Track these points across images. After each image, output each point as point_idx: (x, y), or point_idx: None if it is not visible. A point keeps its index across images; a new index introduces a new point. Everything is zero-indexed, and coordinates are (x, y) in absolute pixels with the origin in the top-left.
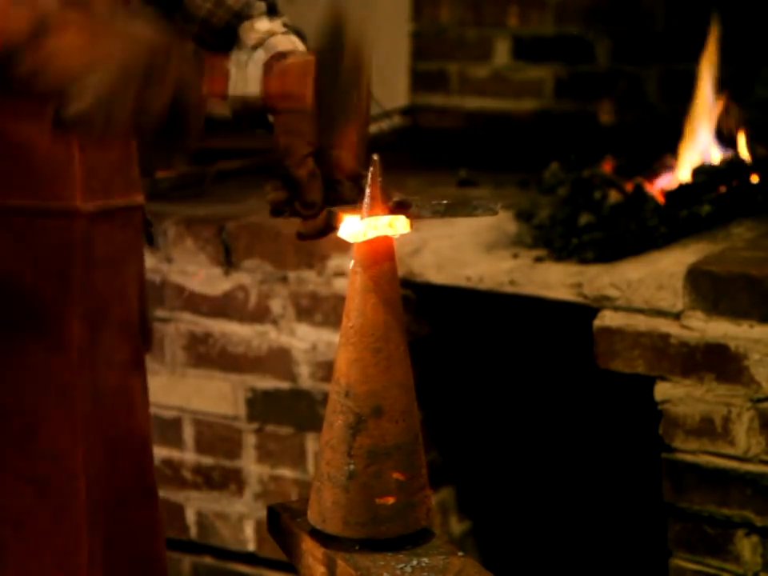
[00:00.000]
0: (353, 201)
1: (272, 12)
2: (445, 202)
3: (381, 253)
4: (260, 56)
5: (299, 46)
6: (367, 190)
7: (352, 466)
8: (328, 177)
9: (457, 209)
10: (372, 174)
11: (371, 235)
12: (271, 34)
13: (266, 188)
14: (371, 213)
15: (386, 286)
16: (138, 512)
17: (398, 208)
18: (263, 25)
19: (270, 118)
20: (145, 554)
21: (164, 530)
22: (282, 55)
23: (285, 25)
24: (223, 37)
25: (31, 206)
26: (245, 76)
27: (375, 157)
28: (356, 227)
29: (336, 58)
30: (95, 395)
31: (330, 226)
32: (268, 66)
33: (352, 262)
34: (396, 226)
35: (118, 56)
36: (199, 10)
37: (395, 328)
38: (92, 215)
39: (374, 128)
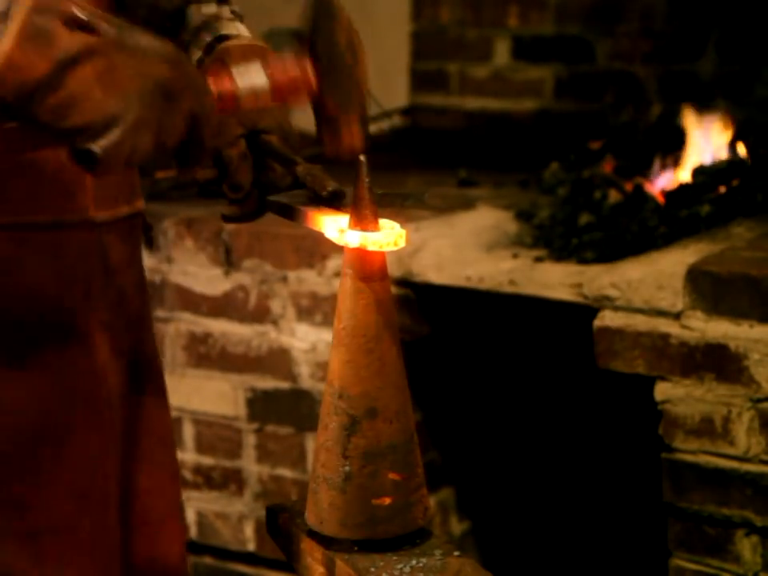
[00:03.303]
0: (284, 187)
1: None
2: (379, 192)
3: (372, 253)
4: (203, 38)
5: (243, 31)
6: (355, 192)
7: (347, 468)
8: (260, 161)
9: (389, 200)
10: (359, 176)
11: (372, 249)
12: (217, 18)
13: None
14: (361, 218)
15: (377, 286)
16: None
17: (332, 199)
18: (210, 8)
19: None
20: (174, 558)
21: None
22: (224, 38)
23: (233, 12)
24: (173, 20)
25: (50, 221)
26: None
27: (362, 158)
28: (353, 239)
29: (331, 32)
30: (119, 401)
31: (260, 212)
32: (209, 48)
33: (342, 262)
34: (399, 243)
35: (138, 81)
36: None
37: (387, 328)
38: (103, 225)
39: (374, 128)
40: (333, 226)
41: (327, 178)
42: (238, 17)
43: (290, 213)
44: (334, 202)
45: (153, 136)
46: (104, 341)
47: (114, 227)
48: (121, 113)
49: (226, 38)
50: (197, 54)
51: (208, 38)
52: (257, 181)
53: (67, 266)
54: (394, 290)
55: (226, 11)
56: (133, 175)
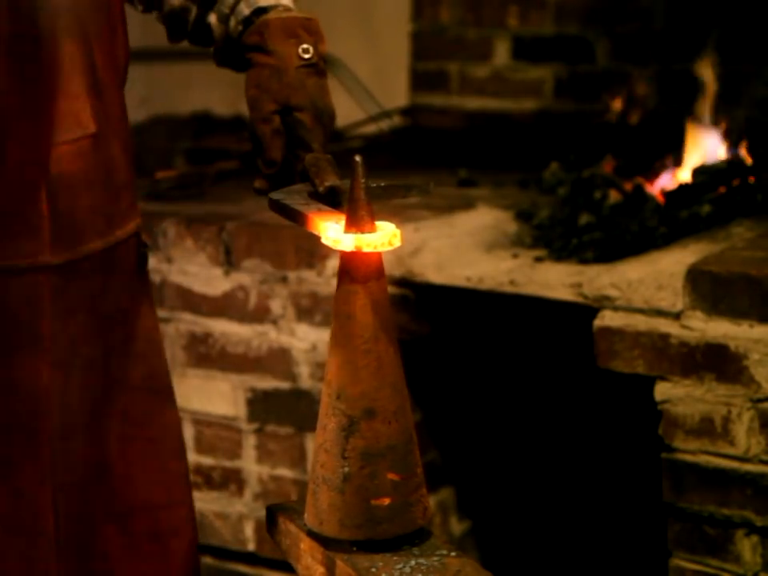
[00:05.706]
0: (297, 171)
1: None
2: (383, 184)
3: (368, 255)
4: (242, 10)
5: (284, 1)
6: (350, 193)
7: (346, 469)
8: (291, 138)
9: (392, 191)
10: (355, 177)
11: (366, 250)
12: None
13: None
14: (356, 220)
15: (374, 287)
16: (115, 537)
17: (329, 195)
18: None
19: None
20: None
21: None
22: (263, 10)
23: None
24: None
25: None
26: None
27: (357, 158)
28: (348, 242)
29: None
30: (64, 435)
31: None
32: (248, 22)
33: (339, 264)
34: (394, 243)
35: None
36: None
37: (384, 328)
38: (63, 266)
39: (373, 128)
40: (329, 230)
41: (330, 172)
42: None
43: (289, 213)
44: (330, 199)
45: None
46: (52, 381)
47: (77, 266)
48: None
49: (264, 10)
50: (237, 28)
51: (246, 11)
52: (287, 157)
53: (10, 310)
54: (394, 289)
55: None
56: (114, 200)
